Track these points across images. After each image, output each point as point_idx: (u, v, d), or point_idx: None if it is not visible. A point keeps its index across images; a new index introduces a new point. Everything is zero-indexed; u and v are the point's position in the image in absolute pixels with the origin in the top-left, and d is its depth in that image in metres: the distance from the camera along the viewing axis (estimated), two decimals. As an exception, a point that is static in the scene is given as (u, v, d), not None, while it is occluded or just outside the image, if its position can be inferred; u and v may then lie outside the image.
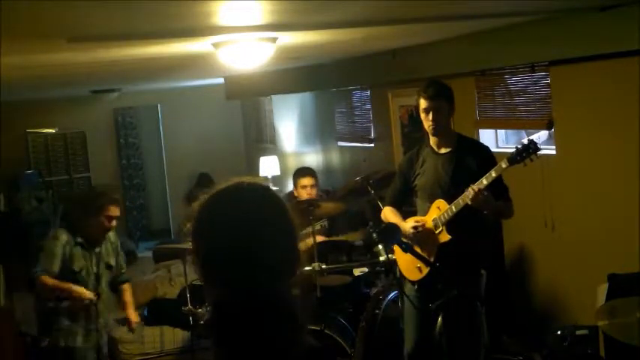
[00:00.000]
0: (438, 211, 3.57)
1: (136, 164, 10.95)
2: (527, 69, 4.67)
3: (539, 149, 3.42)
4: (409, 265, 3.72)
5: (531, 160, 3.44)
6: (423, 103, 3.65)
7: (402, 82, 5.95)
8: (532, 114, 4.75)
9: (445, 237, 3.53)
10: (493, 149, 5.21)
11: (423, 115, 3.68)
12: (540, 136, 4.83)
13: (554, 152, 4.57)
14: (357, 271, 4.87)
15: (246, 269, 1.26)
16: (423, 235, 3.61)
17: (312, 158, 8.35)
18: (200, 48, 3.75)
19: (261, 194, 1.33)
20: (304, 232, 4.86)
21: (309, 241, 4.38)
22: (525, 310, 4.84)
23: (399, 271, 3.85)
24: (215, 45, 3.52)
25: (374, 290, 4.53)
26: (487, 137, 5.23)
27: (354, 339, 4.19)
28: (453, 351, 3.59)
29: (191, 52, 3.99)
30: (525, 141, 3.46)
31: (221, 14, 2.71)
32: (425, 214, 3.68)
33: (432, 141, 3.74)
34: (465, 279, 3.54)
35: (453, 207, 3.49)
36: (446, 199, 3.55)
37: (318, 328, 3.93)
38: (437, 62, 5.04)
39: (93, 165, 10.16)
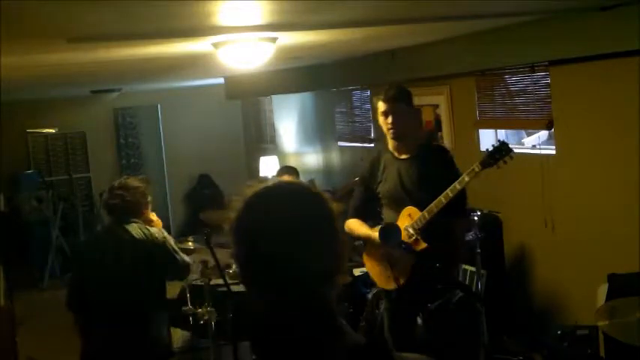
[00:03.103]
0: (409, 219, 3.46)
1: (136, 164, 10.94)
2: (527, 69, 4.67)
3: (511, 150, 3.38)
4: (381, 275, 3.62)
5: (504, 162, 3.38)
6: (381, 107, 3.57)
7: (402, 82, 5.95)
8: (532, 114, 4.75)
9: (421, 245, 3.42)
10: (493, 149, 5.23)
11: (381, 119, 3.60)
12: (540, 136, 4.84)
13: (554, 152, 4.57)
14: (357, 271, 4.87)
15: (287, 272, 1.24)
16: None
17: (312, 158, 8.35)
18: (200, 48, 3.76)
19: (302, 194, 1.32)
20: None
21: None
22: (525, 310, 4.84)
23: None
24: (215, 45, 3.52)
25: (374, 290, 4.53)
26: (487, 137, 5.24)
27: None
28: (452, 351, 3.58)
29: (191, 52, 3.99)
30: (496, 143, 3.41)
31: (221, 14, 2.71)
32: (393, 222, 3.56)
33: (392, 146, 3.65)
34: (444, 283, 3.51)
35: (426, 214, 3.38)
36: (412, 206, 3.47)
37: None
38: (437, 62, 5.04)
39: (93, 165, 10.16)
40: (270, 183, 1.33)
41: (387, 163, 3.66)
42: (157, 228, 3.83)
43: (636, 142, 3.82)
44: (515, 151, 5.06)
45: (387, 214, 3.68)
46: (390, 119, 3.55)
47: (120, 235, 3.72)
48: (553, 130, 4.56)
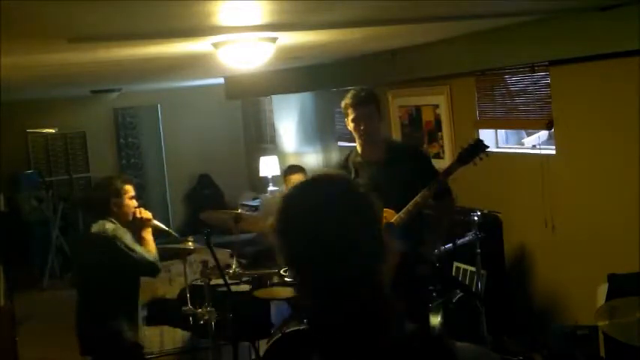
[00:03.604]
0: (385, 220, 3.43)
1: (136, 164, 10.94)
2: (527, 69, 4.67)
3: (486, 147, 3.39)
4: None
5: (480, 158, 3.39)
6: (352, 112, 3.55)
7: (402, 82, 5.96)
8: (532, 114, 4.75)
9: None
10: (493, 149, 5.23)
11: (352, 125, 3.58)
12: (540, 136, 4.84)
13: (554, 152, 4.57)
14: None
15: (337, 265, 1.22)
16: None
17: (312, 158, 8.35)
18: (200, 48, 3.75)
19: (340, 185, 1.30)
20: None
21: None
22: (525, 310, 4.84)
23: None
24: (215, 45, 3.52)
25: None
26: (487, 137, 5.23)
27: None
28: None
29: (191, 52, 3.99)
30: (472, 141, 3.42)
31: (221, 14, 2.71)
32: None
33: (362, 149, 3.63)
34: (422, 285, 3.50)
35: (402, 215, 3.38)
36: (388, 208, 3.43)
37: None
38: (437, 62, 5.04)
39: (93, 165, 10.16)
40: (306, 178, 1.32)
41: (358, 168, 3.63)
42: (114, 225, 3.82)
43: (636, 142, 3.82)
44: (515, 151, 5.12)
45: None
46: (362, 124, 3.54)
47: (84, 234, 3.81)
48: (553, 130, 4.56)
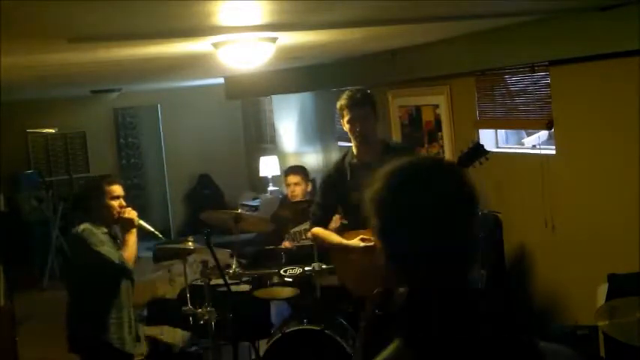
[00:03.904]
0: None
1: (136, 164, 10.95)
2: (527, 69, 4.67)
3: (487, 152, 3.37)
4: (362, 283, 3.53)
5: (480, 163, 3.37)
6: (347, 113, 3.55)
7: (402, 82, 5.96)
8: (532, 114, 4.75)
9: None
10: (493, 149, 5.23)
11: (347, 126, 3.58)
12: (540, 136, 4.84)
13: (554, 152, 4.57)
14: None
15: (429, 249, 1.20)
16: (371, 250, 3.49)
17: (312, 158, 8.35)
18: (200, 48, 3.75)
19: (443, 169, 1.29)
20: (301, 229, 4.87)
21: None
22: (525, 310, 4.84)
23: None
24: (215, 45, 3.52)
25: (374, 290, 4.53)
26: (487, 137, 5.23)
27: (354, 339, 4.19)
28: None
29: (191, 52, 3.99)
30: (472, 144, 3.41)
31: (221, 14, 2.71)
32: (362, 227, 3.52)
33: (358, 151, 3.62)
34: None
35: None
36: None
37: (318, 328, 3.93)
38: (437, 62, 5.04)
39: (93, 165, 10.16)
40: (406, 161, 1.29)
41: (354, 169, 3.62)
42: (87, 226, 3.82)
43: (636, 142, 3.82)
44: (515, 151, 5.12)
45: (355, 219, 3.62)
46: (357, 125, 3.53)
47: (68, 235, 3.87)
48: (553, 130, 4.56)
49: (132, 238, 3.93)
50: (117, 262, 3.77)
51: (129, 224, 3.92)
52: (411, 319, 1.22)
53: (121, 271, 3.84)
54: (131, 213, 3.93)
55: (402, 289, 1.24)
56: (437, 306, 1.20)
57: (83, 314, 3.91)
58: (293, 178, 5.39)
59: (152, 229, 4.06)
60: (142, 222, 4.00)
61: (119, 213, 3.90)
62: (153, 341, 5.20)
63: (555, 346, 1.30)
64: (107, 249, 3.77)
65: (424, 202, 1.22)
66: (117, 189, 3.93)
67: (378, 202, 1.25)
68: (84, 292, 3.91)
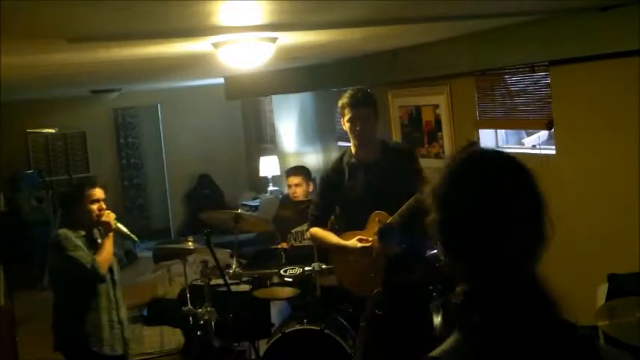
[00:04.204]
0: (379, 224, 3.44)
1: (136, 164, 10.95)
2: (527, 69, 4.67)
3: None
4: (360, 282, 3.56)
5: None
6: (348, 112, 3.55)
7: (402, 82, 5.96)
8: (532, 114, 4.75)
9: (394, 248, 3.41)
10: (493, 149, 5.22)
11: (348, 125, 3.57)
12: (540, 136, 4.84)
13: (554, 152, 4.57)
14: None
15: (492, 245, 1.18)
16: (368, 250, 3.50)
17: (312, 158, 8.35)
18: (200, 48, 3.75)
19: (510, 164, 1.27)
20: (301, 230, 4.87)
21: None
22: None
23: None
24: (215, 45, 3.52)
25: (372, 290, 4.53)
26: (487, 137, 5.24)
27: (354, 339, 4.19)
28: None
29: (191, 52, 3.99)
30: (466, 144, 3.41)
31: (221, 14, 2.71)
32: (360, 227, 3.54)
33: (357, 150, 3.62)
34: (417, 285, 3.49)
35: (397, 216, 3.36)
36: (381, 210, 3.44)
37: (318, 328, 3.93)
38: (437, 62, 5.04)
39: (93, 165, 10.16)
40: (475, 151, 1.28)
41: (352, 169, 3.62)
42: (66, 230, 3.90)
43: (636, 142, 3.82)
44: (515, 151, 5.12)
45: (352, 219, 3.63)
46: (357, 125, 3.53)
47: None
48: (553, 130, 4.56)
49: (108, 242, 3.95)
50: (88, 266, 3.80)
51: (106, 227, 3.95)
52: (472, 315, 1.19)
53: (92, 276, 3.85)
54: (109, 216, 3.95)
55: (460, 286, 1.22)
56: (498, 303, 1.18)
57: (63, 316, 4.01)
58: (294, 179, 5.39)
59: (129, 233, 4.07)
60: (119, 225, 4.01)
61: (98, 217, 3.93)
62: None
63: (615, 350, 1.30)
64: (80, 253, 3.81)
65: (487, 197, 1.19)
66: (98, 192, 3.96)
67: (440, 196, 1.22)
68: (61, 294, 4.02)
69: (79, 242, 3.85)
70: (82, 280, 3.88)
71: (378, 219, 3.47)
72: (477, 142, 3.51)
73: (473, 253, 1.20)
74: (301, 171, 5.56)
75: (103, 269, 3.85)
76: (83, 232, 3.92)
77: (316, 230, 3.76)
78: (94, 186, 4.00)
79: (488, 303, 1.18)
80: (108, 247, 3.92)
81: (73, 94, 9.14)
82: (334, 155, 7.90)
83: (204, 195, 10.50)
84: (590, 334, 1.25)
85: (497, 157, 1.28)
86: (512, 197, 1.21)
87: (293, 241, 4.96)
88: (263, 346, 4.29)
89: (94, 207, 3.92)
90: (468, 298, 1.20)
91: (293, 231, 4.99)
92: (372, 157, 3.59)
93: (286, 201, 5.66)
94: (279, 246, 4.89)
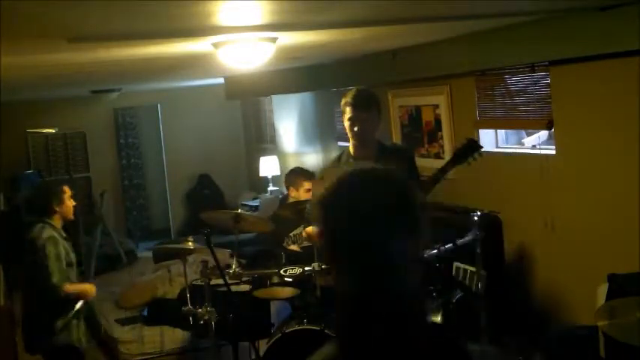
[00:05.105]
0: None
1: (136, 164, 10.94)
2: (527, 69, 4.67)
3: (480, 147, 3.40)
4: None
5: (474, 158, 3.40)
6: (349, 112, 3.54)
7: (402, 82, 5.96)
8: (532, 114, 4.75)
9: None
10: (493, 149, 5.23)
11: (347, 124, 3.57)
12: (540, 136, 4.85)
13: (554, 152, 4.57)
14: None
15: (370, 256, 1.24)
16: None
17: (312, 158, 8.35)
18: (200, 48, 3.75)
19: (391, 179, 1.36)
20: (299, 232, 4.86)
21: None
22: (525, 309, 4.84)
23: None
24: (215, 45, 3.52)
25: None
26: (487, 137, 5.24)
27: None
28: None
29: (191, 52, 3.99)
30: (465, 141, 3.43)
31: (221, 14, 2.71)
32: None
33: (355, 150, 3.63)
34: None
35: None
36: None
37: (318, 328, 3.93)
38: (437, 62, 5.04)
39: (93, 165, 10.16)
40: (363, 167, 1.38)
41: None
42: (51, 233, 4.07)
43: (636, 142, 3.82)
44: (515, 151, 5.12)
45: None
46: (357, 125, 3.53)
47: (26, 235, 4.14)
48: (553, 130, 4.56)
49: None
50: (54, 283, 3.98)
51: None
52: (344, 321, 1.27)
53: (51, 291, 4.02)
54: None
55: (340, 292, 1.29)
56: (367, 308, 1.24)
57: (35, 315, 4.19)
58: (307, 184, 5.31)
59: None
60: None
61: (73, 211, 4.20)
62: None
63: (480, 348, 1.37)
64: (58, 265, 4.02)
65: (361, 207, 1.27)
66: (68, 189, 4.24)
67: (322, 206, 1.30)
68: (35, 294, 4.19)
69: (61, 249, 4.05)
70: (46, 290, 4.05)
71: None
72: (475, 140, 3.50)
73: (342, 263, 1.28)
74: (304, 172, 5.53)
75: (60, 290, 4.01)
76: (62, 230, 4.14)
77: (313, 229, 3.76)
78: (65, 183, 4.32)
79: (356, 308, 1.25)
80: (80, 287, 4.19)
81: (73, 94, 9.14)
82: (334, 155, 7.91)
83: (204, 195, 10.50)
84: (457, 337, 1.31)
85: (376, 173, 1.37)
86: (383, 208, 1.27)
87: (291, 244, 4.95)
88: (263, 346, 4.29)
89: (71, 203, 4.20)
90: (342, 303, 1.27)
91: (291, 234, 4.98)
92: (369, 155, 3.59)
93: (286, 201, 5.65)
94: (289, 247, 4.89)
